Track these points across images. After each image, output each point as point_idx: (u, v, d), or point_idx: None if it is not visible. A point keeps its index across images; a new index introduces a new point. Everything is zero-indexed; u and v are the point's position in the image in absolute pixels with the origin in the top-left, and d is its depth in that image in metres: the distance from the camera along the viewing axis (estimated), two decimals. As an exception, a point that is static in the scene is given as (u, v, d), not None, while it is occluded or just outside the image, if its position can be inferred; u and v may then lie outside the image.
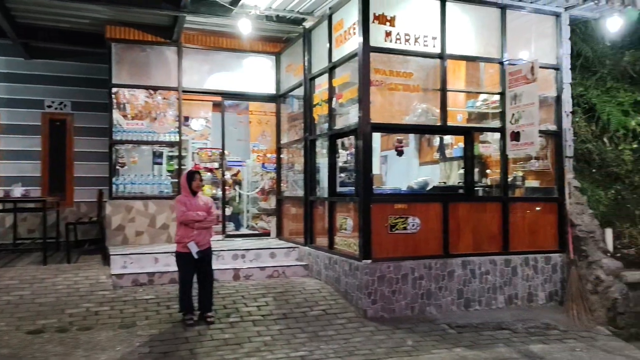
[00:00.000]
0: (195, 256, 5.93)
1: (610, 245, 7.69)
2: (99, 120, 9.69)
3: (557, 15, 7.89)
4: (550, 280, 7.63)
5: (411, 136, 9.53)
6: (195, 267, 6.02)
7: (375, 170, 9.72)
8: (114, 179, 8.91)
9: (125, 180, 8.92)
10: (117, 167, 8.99)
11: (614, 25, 7.69)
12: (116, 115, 9.03)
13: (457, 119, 8.35)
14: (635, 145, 8.56)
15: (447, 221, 7.17)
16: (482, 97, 8.19)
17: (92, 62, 9.97)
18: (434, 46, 7.22)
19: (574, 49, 8.83)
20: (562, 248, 7.69)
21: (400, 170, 9.62)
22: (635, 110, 8.68)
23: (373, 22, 6.87)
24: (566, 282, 7.51)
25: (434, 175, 8.93)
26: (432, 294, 7.01)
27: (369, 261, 6.70)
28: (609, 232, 7.72)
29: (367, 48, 6.80)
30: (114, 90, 9.04)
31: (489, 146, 7.98)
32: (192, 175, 6.11)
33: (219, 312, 6.38)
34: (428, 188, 7.83)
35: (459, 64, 8.08)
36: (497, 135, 7.70)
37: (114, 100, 9.04)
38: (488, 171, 8.17)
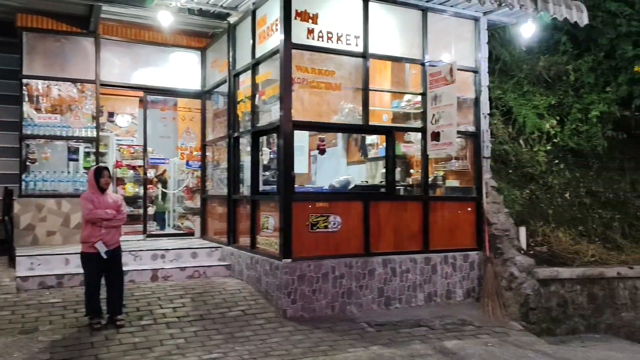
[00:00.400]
0: (104, 256, 5.64)
1: (524, 243, 7.96)
2: (10, 113, 9.06)
3: (476, 20, 8.11)
4: (468, 277, 7.81)
5: (339, 136, 9.56)
6: (103, 268, 5.73)
7: (304, 169, 9.74)
8: (23, 176, 8.39)
9: (37, 177, 8.41)
10: (28, 163, 8.48)
11: (527, 31, 7.98)
12: (27, 108, 8.51)
13: (383, 118, 8.44)
14: (549, 147, 8.93)
15: (368, 220, 7.20)
16: (406, 97, 8.29)
17: (2, 52, 9.34)
18: (356, 45, 7.24)
19: (493, 53, 9.14)
20: (479, 246, 7.89)
21: (329, 169, 9.63)
22: (550, 113, 9.07)
23: (295, 18, 6.80)
24: (483, 279, 7.72)
25: (361, 175, 8.99)
26: (352, 292, 7.01)
27: (289, 260, 6.63)
28: (522, 231, 8.00)
29: (289, 45, 6.73)
30: (24, 81, 8.52)
31: (411, 146, 8.09)
32: (100, 171, 5.81)
33: (131, 315, 6.12)
34: (350, 187, 7.85)
35: (385, 64, 8.19)
36: (420, 135, 7.80)
37: (25, 93, 8.52)
38: (412, 171, 8.28)
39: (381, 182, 8.03)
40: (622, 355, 6.42)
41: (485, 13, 8.05)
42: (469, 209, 7.99)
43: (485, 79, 8.18)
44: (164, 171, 10.99)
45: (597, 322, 7.54)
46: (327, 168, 9.83)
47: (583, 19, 7.57)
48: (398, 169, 8.13)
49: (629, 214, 8.90)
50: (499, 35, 9.09)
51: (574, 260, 7.86)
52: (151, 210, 10.20)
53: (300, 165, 9.71)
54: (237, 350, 5.54)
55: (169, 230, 10.52)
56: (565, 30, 9.39)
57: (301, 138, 9.50)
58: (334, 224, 6.97)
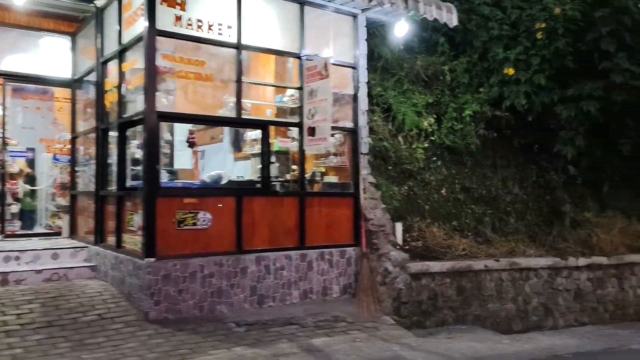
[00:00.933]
0: None
1: (399, 238, 8.07)
2: None
3: (355, 16, 8.10)
4: (345, 273, 7.81)
5: (226, 130, 9.27)
6: None
7: (188, 164, 9.37)
8: None
9: None
10: None
11: (401, 30, 8.11)
12: None
13: (267, 113, 8.30)
14: (426, 145, 9.14)
15: (241, 216, 6.98)
16: (289, 92, 8.16)
17: None
18: (229, 35, 6.98)
19: (374, 51, 9.23)
20: (356, 242, 7.90)
21: (217, 165, 9.33)
22: (428, 111, 9.29)
23: (161, 4, 6.43)
24: (359, 275, 7.75)
25: (247, 171, 8.77)
26: (223, 292, 6.76)
27: (153, 259, 6.26)
28: (398, 226, 8.11)
29: (153, 32, 6.35)
30: None
31: (287, 141, 7.97)
32: None
33: (-36, 324, 5.50)
34: (223, 182, 7.58)
35: (269, 57, 8.07)
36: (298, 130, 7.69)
37: None
38: (294, 167, 8.17)
39: (258, 177, 7.84)
40: (483, 345, 6.67)
41: (363, 10, 8.06)
42: (347, 205, 7.98)
43: (363, 76, 8.21)
44: (29, 166, 10.12)
45: (465, 313, 7.79)
46: (215, 164, 9.52)
47: (453, 20, 7.80)
48: (277, 165, 8.01)
49: (499, 209, 9.31)
50: (381, 33, 9.17)
51: (446, 254, 8.06)
52: (15, 208, 9.34)
53: (183, 161, 9.36)
54: (83, 358, 5.12)
55: (38, 229, 9.71)
56: (443, 31, 9.67)
57: (184, 132, 9.15)
58: (204, 220, 6.69)
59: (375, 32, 9.09)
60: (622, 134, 9.49)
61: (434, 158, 9.26)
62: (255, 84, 7.76)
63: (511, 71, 9.18)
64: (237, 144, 8.44)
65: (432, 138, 9.26)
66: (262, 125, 7.43)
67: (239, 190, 7.30)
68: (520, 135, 10.05)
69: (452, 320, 7.68)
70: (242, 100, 7.12)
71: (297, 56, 7.62)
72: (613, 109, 9.08)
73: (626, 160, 9.79)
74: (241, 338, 6.03)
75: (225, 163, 9.36)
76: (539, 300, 8.36)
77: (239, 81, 7.03)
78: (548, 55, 9.00)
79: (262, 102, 8.07)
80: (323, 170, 8.24)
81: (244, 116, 7.21)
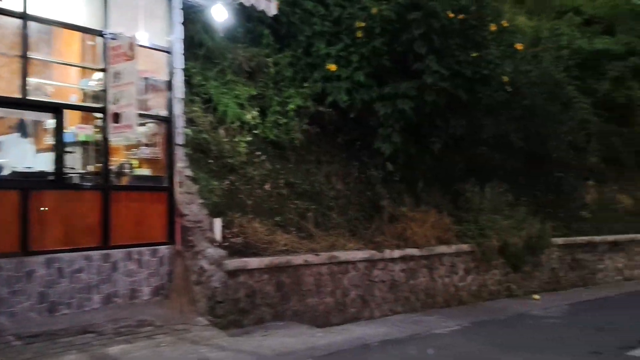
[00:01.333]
0: None
1: (218, 235, 7.67)
2: None
3: (169, -3, 7.60)
4: (156, 274, 7.22)
5: (28, 119, 8.13)
6: None
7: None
8: None
9: None
10: None
11: (219, 15, 7.77)
12: None
13: (71, 98, 7.45)
14: (249, 138, 8.87)
15: (28, 212, 6.10)
16: (98, 75, 7.37)
17: None
18: (12, 3, 6.05)
19: (196, 38, 8.76)
20: (170, 239, 7.38)
21: (16, 157, 8.12)
22: (251, 104, 9.03)
23: None
24: (173, 275, 7.21)
25: (49, 163, 7.76)
26: (2, 300, 5.80)
27: None
28: (217, 222, 7.70)
29: None
30: None
31: (87, 128, 7.19)
32: None
33: None
34: (3, 173, 6.57)
35: (73, 35, 7.28)
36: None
37: None
38: (102, 158, 7.37)
39: (54, 169, 6.93)
40: (296, 339, 6.56)
41: (177, -9, 7.57)
42: (160, 199, 7.43)
43: (179, 61, 7.69)
44: None
45: (284, 309, 7.61)
46: (14, 156, 8.31)
47: (271, 8, 7.66)
48: (78, 155, 7.20)
49: (322, 204, 9.35)
50: (202, 20, 8.69)
51: (267, 250, 7.84)
52: None
53: None
54: None
55: None
56: (268, 23, 9.50)
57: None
58: (-24, 218, 5.69)
59: (196, 18, 8.60)
60: (433, 133, 10.10)
61: (258, 152, 9.01)
62: (45, 61, 6.86)
63: (333, 67, 9.28)
64: (36, 132, 7.42)
65: (256, 132, 9.01)
66: (54, 109, 6.58)
67: (26, 182, 6.36)
68: (344, 131, 10.20)
69: (270, 317, 7.46)
70: (29, 79, 6.27)
71: (100, 34, 6.89)
72: (425, 109, 9.60)
73: (437, 158, 10.47)
74: (19, 352, 5.23)
75: (26, 154, 8.25)
76: (357, 292, 8.51)
77: (24, 57, 6.12)
78: (366, 54, 9.24)
79: (61, 84, 7.20)
80: (135, 162, 7.58)
81: (31, 97, 6.28)
